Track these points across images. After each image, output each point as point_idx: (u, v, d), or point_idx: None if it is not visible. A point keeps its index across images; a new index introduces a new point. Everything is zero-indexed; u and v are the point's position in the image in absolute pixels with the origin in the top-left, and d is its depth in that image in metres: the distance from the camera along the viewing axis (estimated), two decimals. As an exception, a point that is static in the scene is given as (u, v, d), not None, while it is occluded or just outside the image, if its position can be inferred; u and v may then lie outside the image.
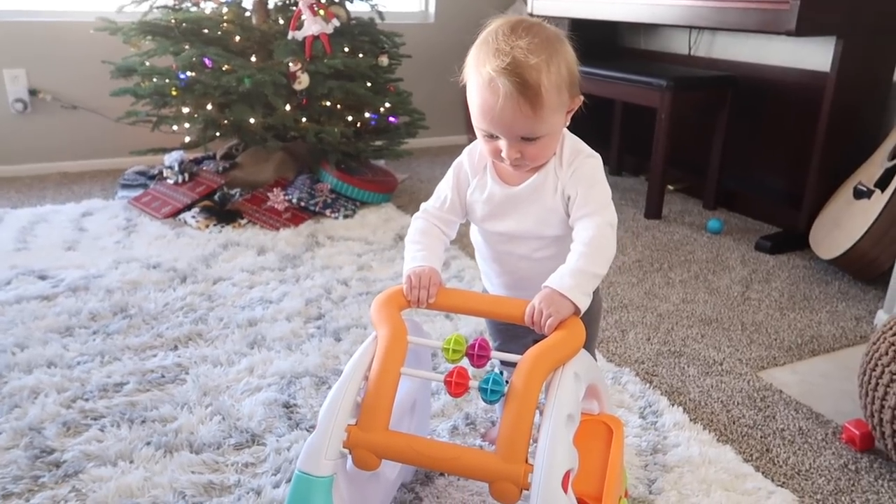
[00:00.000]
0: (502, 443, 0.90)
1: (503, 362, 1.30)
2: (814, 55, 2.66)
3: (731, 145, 2.95)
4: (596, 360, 1.33)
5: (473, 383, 0.95)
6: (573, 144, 1.11)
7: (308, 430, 1.42)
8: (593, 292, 1.03)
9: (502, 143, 1.02)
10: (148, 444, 1.36)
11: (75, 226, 2.57)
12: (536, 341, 0.99)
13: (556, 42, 1.02)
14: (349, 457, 0.97)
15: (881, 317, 2.00)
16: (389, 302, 1.06)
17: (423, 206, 1.18)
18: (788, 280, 2.32)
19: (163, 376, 1.60)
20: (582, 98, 1.08)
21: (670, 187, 3.15)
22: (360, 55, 2.88)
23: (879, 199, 2.20)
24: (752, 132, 2.94)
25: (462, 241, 1.24)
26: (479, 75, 1.00)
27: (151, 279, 2.11)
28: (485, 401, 0.94)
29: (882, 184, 2.23)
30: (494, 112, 0.99)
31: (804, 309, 2.10)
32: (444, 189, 1.16)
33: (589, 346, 1.23)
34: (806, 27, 2.30)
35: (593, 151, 1.12)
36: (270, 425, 1.43)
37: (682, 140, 2.84)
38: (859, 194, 2.30)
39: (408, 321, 1.05)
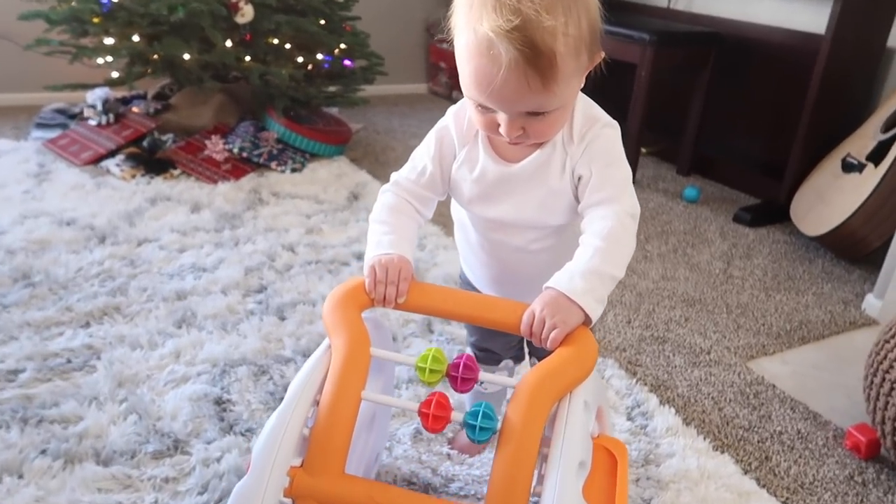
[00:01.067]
0: (494, 496, 0.70)
1: (481, 362, 1.11)
2: (806, 14, 2.48)
3: (711, 108, 2.77)
4: None
5: (457, 414, 0.76)
6: (586, 109, 0.88)
7: (244, 435, 1.19)
8: None
9: (501, 117, 0.80)
10: (43, 452, 1.11)
11: (-24, 170, 2.22)
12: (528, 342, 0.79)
13: None
14: None
15: (871, 301, 1.87)
16: (347, 301, 0.84)
17: (394, 176, 0.96)
18: (770, 257, 2.17)
19: (69, 361, 1.34)
20: (603, 54, 0.84)
21: (643, 150, 2.96)
22: (313, -13, 2.55)
23: (872, 175, 2.05)
24: (734, 95, 2.76)
25: (438, 214, 0.99)
26: (473, 34, 0.75)
27: (63, 238, 1.81)
28: (471, 440, 0.74)
29: (874, 157, 2.08)
30: (494, 84, 0.76)
31: (789, 290, 1.96)
32: (423, 158, 0.93)
33: None
34: (806, -18, 2.11)
35: (611, 118, 0.90)
36: (198, 427, 1.20)
37: (659, 100, 2.64)
38: (849, 167, 2.16)
39: (370, 322, 0.85)
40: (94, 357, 1.36)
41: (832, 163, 2.27)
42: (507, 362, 1.15)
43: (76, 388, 1.26)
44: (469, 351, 1.16)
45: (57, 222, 1.89)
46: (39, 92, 2.83)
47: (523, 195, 0.89)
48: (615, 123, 0.90)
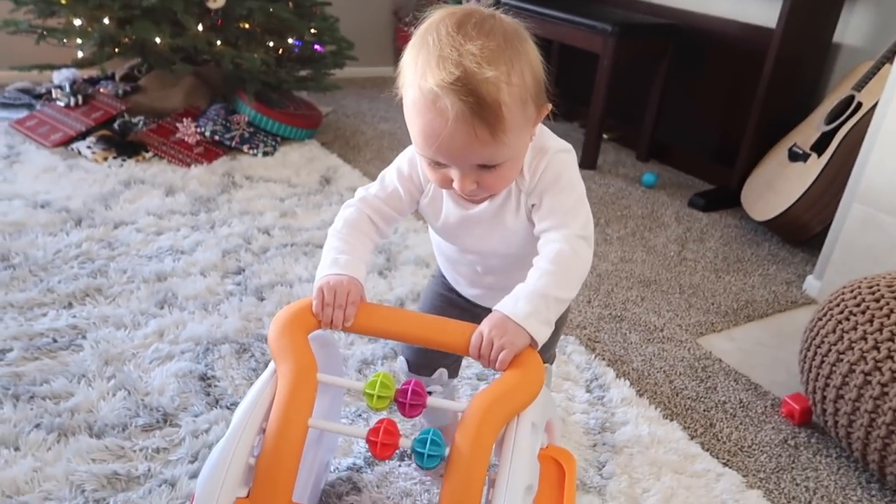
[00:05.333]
0: None
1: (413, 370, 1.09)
2: (758, 9, 2.59)
3: (668, 97, 2.89)
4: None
5: (405, 441, 0.77)
6: (536, 141, 0.89)
7: (230, 409, 1.26)
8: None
9: (454, 173, 0.82)
10: (37, 426, 1.16)
11: (-56, 151, 2.22)
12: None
13: (516, 40, 0.80)
14: None
15: (811, 282, 2.02)
16: (294, 323, 0.84)
17: (360, 192, 0.97)
18: (721, 240, 2.31)
19: (55, 341, 1.39)
20: (549, 106, 0.86)
21: (604, 136, 3.07)
22: (284, -28, 2.58)
23: (815, 164, 2.19)
24: (690, 84, 2.88)
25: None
26: (419, 90, 0.77)
27: (39, 221, 1.84)
28: (420, 467, 0.76)
29: (818, 147, 2.22)
30: (442, 137, 0.77)
31: (738, 272, 2.10)
32: (393, 179, 0.95)
33: (547, 357, 1.08)
34: (758, -21, 2.22)
35: (563, 144, 0.91)
36: (185, 402, 1.27)
37: (618, 87, 2.74)
38: (794, 157, 2.29)
39: (316, 341, 0.87)
40: (80, 336, 1.41)
41: (780, 152, 2.40)
42: (442, 372, 1.14)
43: (64, 367, 1.32)
44: (401, 358, 1.15)
45: (31, 205, 1.92)
46: (2, 70, 2.81)
47: (484, 233, 0.93)
48: (568, 148, 0.91)
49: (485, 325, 0.81)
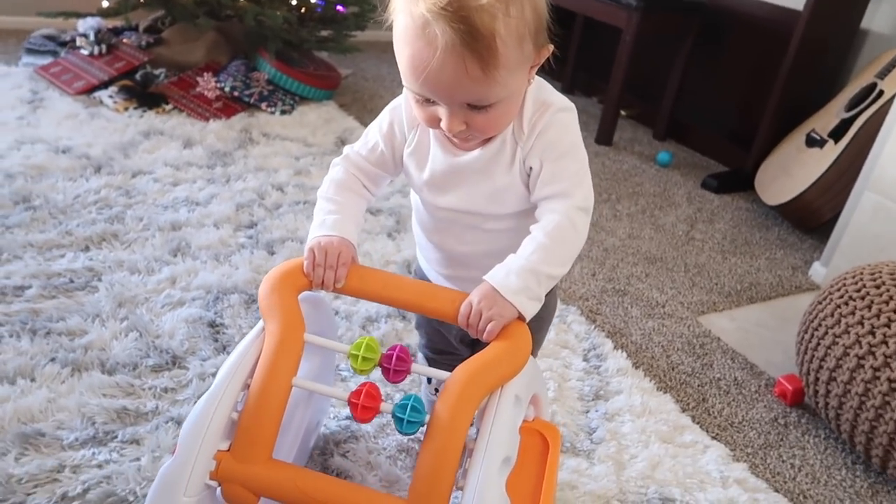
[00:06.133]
0: (417, 489, 0.72)
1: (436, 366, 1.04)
2: (787, -10, 2.56)
3: (690, 76, 2.87)
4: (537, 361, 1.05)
5: (387, 406, 0.77)
6: (537, 95, 0.84)
7: (236, 355, 1.30)
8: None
9: (442, 111, 0.77)
10: (52, 360, 1.22)
11: (-30, 93, 2.26)
12: (474, 342, 0.81)
13: None
14: (218, 489, 0.77)
15: (817, 269, 2.02)
16: (284, 283, 0.83)
17: (346, 149, 0.93)
18: (731, 222, 2.31)
19: (71, 281, 1.44)
20: (551, 48, 0.81)
21: (622, 112, 3.06)
22: (310, -70, 2.57)
23: (832, 150, 2.19)
24: (713, 65, 2.86)
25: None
26: (409, 16, 0.72)
27: (60, 165, 1.88)
28: (399, 431, 0.76)
29: (836, 134, 2.21)
30: (430, 68, 0.72)
31: (744, 254, 2.11)
32: (375, 134, 0.91)
33: (533, 349, 0.99)
34: (788, -40, 2.19)
35: (566, 102, 0.86)
36: (194, 346, 1.31)
37: (639, 64, 2.73)
38: (811, 142, 2.28)
39: (308, 302, 0.87)
40: (95, 279, 1.46)
41: (798, 137, 2.39)
42: None
43: (79, 306, 1.37)
44: (421, 356, 1.15)
45: (53, 150, 1.96)
46: (28, 16, 2.84)
47: (472, 187, 0.87)
48: (570, 106, 0.86)
49: (475, 295, 0.80)
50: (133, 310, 1.38)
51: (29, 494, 0.98)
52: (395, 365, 0.79)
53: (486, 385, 0.76)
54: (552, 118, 0.83)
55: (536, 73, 0.83)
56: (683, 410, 1.38)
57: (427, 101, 0.78)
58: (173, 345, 1.31)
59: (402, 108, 0.89)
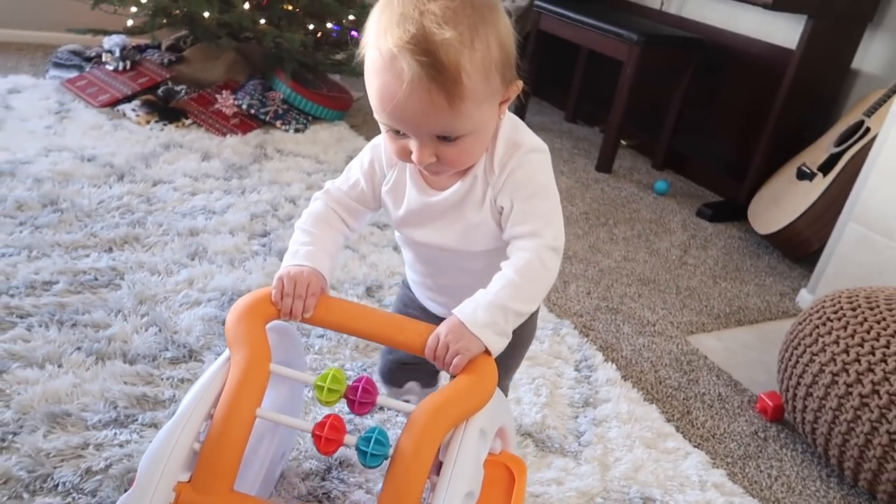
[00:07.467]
0: None
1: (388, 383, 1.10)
2: (782, 30, 2.68)
3: (688, 108, 2.98)
4: (507, 395, 1.10)
5: (351, 438, 0.77)
6: (511, 135, 0.86)
7: (248, 352, 1.39)
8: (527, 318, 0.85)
9: (412, 143, 0.79)
10: (78, 349, 1.31)
11: (0, 102, 2.37)
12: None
13: (486, 8, 0.75)
14: None
15: (804, 295, 2.11)
16: (252, 313, 0.83)
17: (327, 184, 0.96)
18: (724, 249, 2.40)
19: (96, 279, 1.53)
20: (521, 85, 0.83)
21: (623, 142, 3.17)
22: (329, -41, 2.71)
23: (820, 183, 2.28)
24: (710, 98, 2.98)
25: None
26: (377, 51, 0.74)
27: (85, 173, 1.98)
28: (363, 465, 0.76)
29: (825, 168, 2.31)
30: (398, 101, 0.74)
31: (735, 279, 2.19)
32: (356, 171, 0.93)
33: (503, 380, 0.99)
34: (782, 2, 2.31)
35: (538, 142, 0.88)
36: (209, 342, 1.40)
37: (640, 96, 2.85)
38: (802, 175, 2.38)
39: (276, 331, 0.88)
40: (118, 277, 1.55)
41: (789, 170, 2.49)
42: (411, 385, 1.15)
43: (103, 301, 1.46)
44: (381, 361, 1.16)
45: (79, 158, 2.06)
46: (57, 31, 2.98)
47: (445, 225, 0.89)
48: (543, 147, 0.87)
49: (442, 328, 0.81)
50: (153, 307, 1.47)
51: (56, 467, 1.06)
52: (360, 397, 0.78)
53: (451, 419, 0.76)
54: (522, 158, 0.85)
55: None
56: (668, 420, 1.46)
57: (398, 134, 0.80)
58: (190, 340, 1.39)
59: (381, 147, 0.91)
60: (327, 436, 0.75)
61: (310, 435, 0.77)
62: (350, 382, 0.79)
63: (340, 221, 0.93)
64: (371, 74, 0.77)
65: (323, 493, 1.12)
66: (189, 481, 0.75)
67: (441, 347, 0.79)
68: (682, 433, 1.43)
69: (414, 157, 0.79)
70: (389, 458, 0.75)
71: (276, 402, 0.97)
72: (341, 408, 1.01)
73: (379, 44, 0.74)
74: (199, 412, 0.77)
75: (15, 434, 1.10)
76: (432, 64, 0.71)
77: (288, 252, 0.89)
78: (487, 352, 0.81)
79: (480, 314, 0.80)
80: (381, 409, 1.26)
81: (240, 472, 0.77)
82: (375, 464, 0.75)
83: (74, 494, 1.02)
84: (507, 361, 0.84)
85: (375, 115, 0.80)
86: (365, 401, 0.78)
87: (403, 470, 0.72)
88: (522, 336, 0.91)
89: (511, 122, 0.87)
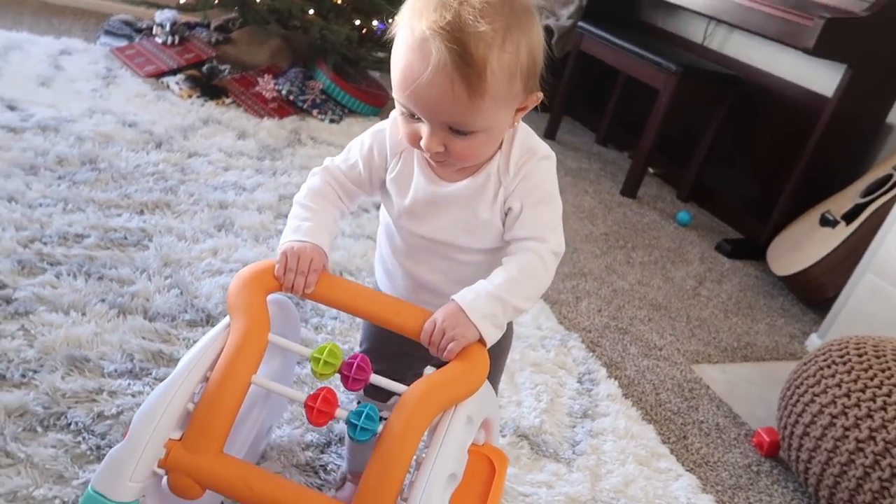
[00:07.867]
0: (362, 495, 0.73)
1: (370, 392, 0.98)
2: (820, 77, 2.69)
3: (718, 144, 3.00)
4: (497, 394, 1.08)
5: (342, 412, 0.78)
6: (525, 140, 0.87)
7: (263, 324, 1.43)
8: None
9: (423, 128, 0.79)
10: (102, 300, 1.35)
11: (51, 62, 2.45)
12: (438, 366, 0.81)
13: (523, 13, 0.77)
14: (164, 478, 0.78)
15: (813, 340, 2.12)
16: (254, 283, 0.85)
17: (326, 160, 0.95)
18: (739, 286, 2.42)
19: (125, 238, 1.58)
20: (541, 96, 0.84)
21: (651, 170, 3.20)
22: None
23: (842, 231, 2.29)
24: (741, 137, 2.99)
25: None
26: (410, 31, 0.75)
27: (125, 137, 2.05)
28: (352, 438, 0.77)
29: (849, 217, 2.32)
30: (419, 82, 0.74)
31: (746, 316, 2.20)
32: (356, 153, 0.92)
33: (492, 380, 1.01)
34: (823, 49, 2.33)
35: (549, 150, 0.90)
36: (227, 310, 1.44)
37: (672, 126, 2.87)
38: (825, 222, 2.39)
39: (276, 304, 0.90)
40: (147, 239, 1.60)
41: (813, 215, 2.50)
42: (396, 399, 1.13)
43: (130, 259, 1.51)
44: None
45: (121, 122, 2.13)
46: (111, 1, 3.07)
47: (451, 219, 0.88)
48: (552, 155, 0.89)
49: (440, 313, 0.81)
50: (177, 270, 1.52)
51: (70, 408, 1.10)
52: (354, 373, 0.79)
53: (440, 402, 0.77)
54: (536, 164, 0.87)
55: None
56: (664, 442, 1.48)
57: (412, 117, 0.80)
58: (209, 305, 1.44)
59: (385, 133, 0.90)
60: (319, 407, 0.76)
61: (302, 406, 0.79)
62: (346, 359, 0.81)
63: (337, 198, 0.93)
64: (398, 52, 0.77)
65: (320, 465, 1.15)
66: (180, 440, 0.77)
67: (437, 333, 0.80)
68: (675, 455, 1.45)
69: (423, 142, 0.79)
70: (377, 435, 0.76)
71: (269, 374, 0.98)
72: (336, 383, 1.03)
73: (412, 24, 0.75)
74: (195, 374, 0.78)
75: (35, 372, 1.15)
76: (461, 53, 0.72)
77: (288, 227, 0.89)
78: (481, 342, 0.82)
79: (481, 303, 0.81)
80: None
81: (229, 438, 0.79)
82: (364, 438, 0.76)
83: (85, 434, 1.07)
84: (491, 369, 0.84)
85: (393, 94, 0.80)
86: (358, 377, 0.79)
87: (390, 447, 0.74)
88: (503, 344, 0.92)
89: (525, 129, 0.89)
